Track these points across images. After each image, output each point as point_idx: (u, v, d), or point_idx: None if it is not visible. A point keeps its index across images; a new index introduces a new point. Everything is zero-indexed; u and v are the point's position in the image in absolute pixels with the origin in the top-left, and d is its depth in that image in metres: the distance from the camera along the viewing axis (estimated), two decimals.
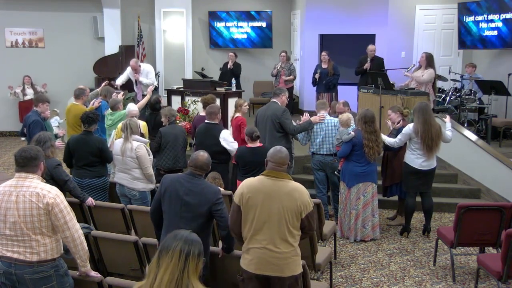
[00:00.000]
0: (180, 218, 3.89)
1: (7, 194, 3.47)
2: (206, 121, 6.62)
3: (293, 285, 3.64)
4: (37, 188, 3.46)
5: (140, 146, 5.70)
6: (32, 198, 3.43)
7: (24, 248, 3.45)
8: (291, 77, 10.98)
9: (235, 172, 6.71)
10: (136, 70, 9.24)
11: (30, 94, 11.89)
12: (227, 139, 6.48)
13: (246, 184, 3.70)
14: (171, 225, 3.89)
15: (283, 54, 11.00)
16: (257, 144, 6.20)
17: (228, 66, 11.24)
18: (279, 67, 10.87)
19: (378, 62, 9.83)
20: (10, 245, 3.47)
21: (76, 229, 3.54)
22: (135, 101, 9.06)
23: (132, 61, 9.38)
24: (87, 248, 3.65)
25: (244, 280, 3.69)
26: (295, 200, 3.58)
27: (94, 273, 3.70)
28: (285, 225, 3.57)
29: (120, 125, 6.28)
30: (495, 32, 9.79)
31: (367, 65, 9.80)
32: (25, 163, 3.52)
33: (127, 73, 9.41)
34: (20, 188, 3.47)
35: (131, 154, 5.67)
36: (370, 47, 9.98)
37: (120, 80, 9.30)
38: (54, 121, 10.15)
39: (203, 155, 4.03)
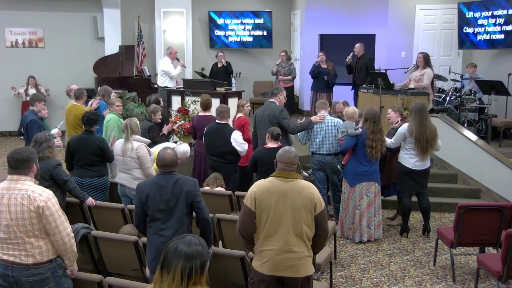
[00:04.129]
0: (167, 218, 3.93)
1: None
2: (217, 121, 6.62)
3: (305, 284, 3.64)
4: (28, 191, 3.43)
5: (140, 146, 5.70)
6: (24, 201, 3.40)
7: (19, 251, 3.43)
8: (289, 77, 10.98)
9: (241, 173, 6.72)
10: (176, 54, 9.95)
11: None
12: (238, 140, 6.47)
13: (257, 186, 3.67)
14: (158, 226, 3.95)
15: (283, 53, 11.00)
16: (276, 144, 6.00)
17: (221, 65, 11.11)
18: (278, 65, 10.87)
19: (365, 61, 9.91)
20: (6, 248, 3.45)
21: (67, 232, 3.52)
22: (163, 99, 9.17)
23: (173, 47, 10.14)
24: (76, 250, 3.63)
25: (255, 283, 3.65)
26: (307, 198, 3.56)
27: (75, 269, 3.70)
28: (300, 224, 3.55)
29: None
30: (495, 32, 9.79)
31: (348, 60, 10.04)
32: (17, 165, 3.49)
33: (168, 62, 9.81)
34: (12, 191, 3.44)
35: (131, 154, 5.67)
36: (355, 45, 10.14)
37: (175, 72, 9.80)
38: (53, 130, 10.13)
39: (169, 153, 4.02)
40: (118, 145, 5.82)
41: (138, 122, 5.99)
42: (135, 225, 4.19)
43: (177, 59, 10.04)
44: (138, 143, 5.72)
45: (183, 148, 6.06)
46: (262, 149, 6.18)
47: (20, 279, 3.43)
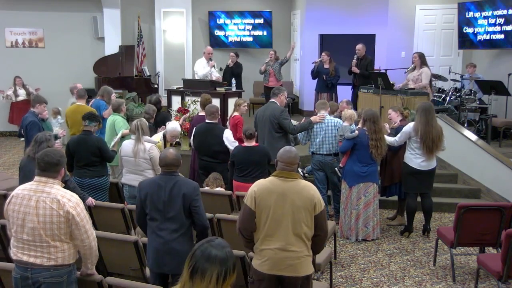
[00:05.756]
0: (165, 219, 3.91)
1: (26, 198, 3.42)
2: (206, 120, 6.62)
3: (305, 284, 3.64)
4: (57, 195, 3.41)
5: (152, 147, 5.76)
6: (53, 205, 3.38)
7: (41, 253, 3.42)
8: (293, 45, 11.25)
9: (230, 171, 6.74)
10: (211, 54, 9.94)
11: (22, 94, 11.81)
12: (230, 139, 6.52)
13: (257, 185, 3.67)
14: (156, 226, 3.93)
15: (272, 52, 10.99)
16: (253, 143, 6.23)
17: (228, 65, 11.23)
18: (266, 64, 10.84)
19: (365, 62, 9.88)
20: (27, 249, 3.44)
21: (94, 237, 3.55)
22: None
23: (209, 48, 10.16)
24: (98, 254, 3.67)
25: (255, 282, 3.66)
26: (307, 198, 3.57)
27: (95, 273, 3.73)
28: (300, 224, 3.56)
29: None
30: (495, 32, 9.79)
31: (354, 68, 9.91)
32: (46, 168, 3.46)
33: (203, 63, 9.78)
34: (40, 194, 3.41)
35: (144, 155, 5.70)
36: (357, 46, 9.99)
37: (202, 72, 9.73)
38: (56, 122, 10.12)
39: (171, 152, 4.02)
40: (128, 146, 5.81)
41: (147, 122, 6.01)
42: (136, 222, 4.20)
43: (210, 59, 9.95)
44: (150, 144, 5.77)
45: (171, 125, 6.46)
46: (239, 147, 6.32)
47: (38, 280, 3.42)
